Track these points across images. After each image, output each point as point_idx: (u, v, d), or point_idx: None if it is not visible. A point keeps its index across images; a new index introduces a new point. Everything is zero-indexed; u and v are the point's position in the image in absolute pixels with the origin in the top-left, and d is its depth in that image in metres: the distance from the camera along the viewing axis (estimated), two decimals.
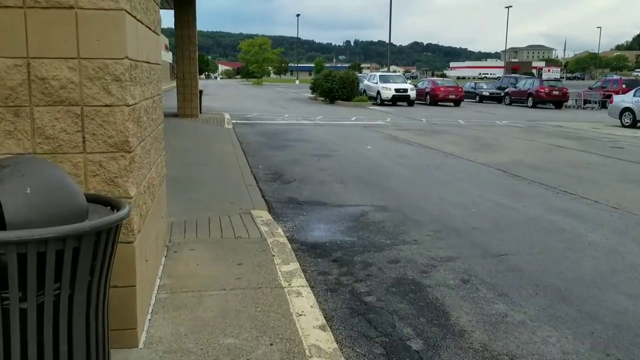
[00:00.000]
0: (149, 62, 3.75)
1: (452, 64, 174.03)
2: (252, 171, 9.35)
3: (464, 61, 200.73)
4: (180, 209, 6.27)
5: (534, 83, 34.91)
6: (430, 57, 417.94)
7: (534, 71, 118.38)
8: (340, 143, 13.84)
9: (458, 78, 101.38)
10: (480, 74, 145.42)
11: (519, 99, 35.04)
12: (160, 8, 16.71)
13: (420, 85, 34.93)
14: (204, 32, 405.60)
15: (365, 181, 8.88)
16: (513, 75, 48.85)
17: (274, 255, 4.57)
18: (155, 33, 4.20)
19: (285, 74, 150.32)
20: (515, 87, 36.55)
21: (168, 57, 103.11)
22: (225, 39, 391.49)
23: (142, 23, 3.42)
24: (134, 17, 3.09)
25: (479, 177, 9.48)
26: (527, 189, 8.56)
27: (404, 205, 7.26)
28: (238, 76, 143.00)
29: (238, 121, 19.24)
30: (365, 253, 5.23)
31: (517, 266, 5.01)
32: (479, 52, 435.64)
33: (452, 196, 7.89)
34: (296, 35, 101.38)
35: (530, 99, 33.62)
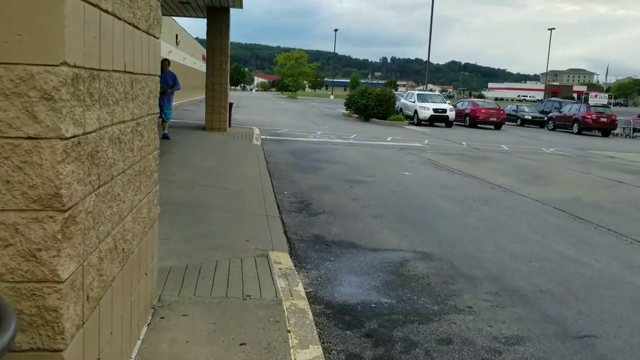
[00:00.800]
0: (131, 72, 2.74)
1: (490, 85, 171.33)
2: (276, 198, 8.31)
3: (502, 82, 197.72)
4: (185, 247, 5.26)
5: (580, 108, 33.22)
6: (467, 76, 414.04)
7: (575, 95, 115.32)
8: (376, 167, 12.72)
9: (496, 99, 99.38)
10: (519, 95, 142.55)
11: (563, 124, 33.38)
12: (194, 17, 15.97)
13: (459, 105, 33.58)
14: (242, 45, 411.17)
15: (404, 217, 7.73)
16: (557, 99, 46.94)
17: (289, 331, 3.48)
18: (148, 34, 3.20)
19: (320, 89, 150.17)
20: (560, 112, 34.87)
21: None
22: (262, 51, 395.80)
23: (116, 16, 2.41)
24: (91, 3, 2.08)
25: (535, 218, 8.23)
26: (594, 237, 7.28)
27: (452, 252, 6.09)
28: (273, 89, 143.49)
29: (267, 137, 18.32)
30: (407, 325, 4.09)
31: (608, 357, 3.81)
32: (518, 74, 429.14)
33: (508, 242, 6.68)
34: (333, 50, 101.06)
35: (575, 125, 31.94)
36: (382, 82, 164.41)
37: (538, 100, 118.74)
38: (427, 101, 31.27)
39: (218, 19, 17.06)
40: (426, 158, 15.09)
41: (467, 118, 31.94)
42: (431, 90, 72.48)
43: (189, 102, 39.70)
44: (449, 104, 32.59)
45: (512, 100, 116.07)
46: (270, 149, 14.79)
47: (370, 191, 9.56)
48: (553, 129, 34.11)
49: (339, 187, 9.77)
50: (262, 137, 18.01)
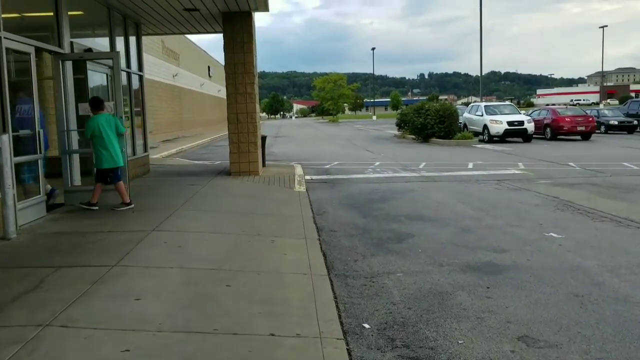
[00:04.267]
0: None
1: (539, 92, 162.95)
2: (350, 357, 3.66)
3: (547, 88, 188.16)
4: None
5: None
6: (508, 85, 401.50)
7: (633, 94, 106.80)
8: (495, 225, 7.88)
9: (547, 105, 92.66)
10: (571, 100, 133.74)
11: None
12: (209, 32, 11.10)
13: (535, 115, 28.26)
14: (279, 74, 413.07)
15: None
16: None
17: None
18: None
19: (360, 110, 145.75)
20: None
21: None
22: (299, 78, 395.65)
23: None
24: None
25: None
26: None
27: None
28: (313, 114, 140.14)
29: (313, 177, 13.78)
30: None
31: None
32: (561, 79, 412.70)
33: None
34: (369, 71, 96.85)
35: None
36: (423, 98, 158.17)
37: (593, 103, 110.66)
38: (496, 113, 26.25)
39: (237, 29, 12.76)
40: (550, 196, 10.16)
41: (548, 129, 26.63)
42: (475, 102, 66.22)
43: (223, 137, 35.79)
44: (524, 114, 27.41)
45: (565, 105, 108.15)
46: (320, 200, 10.20)
47: (531, 301, 4.76)
48: None
49: (462, 290, 5.02)
50: (307, 177, 13.49)
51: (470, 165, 15.78)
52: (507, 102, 33.62)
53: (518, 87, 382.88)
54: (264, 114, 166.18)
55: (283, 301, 4.61)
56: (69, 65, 9.31)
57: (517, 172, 14.18)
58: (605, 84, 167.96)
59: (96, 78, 11.35)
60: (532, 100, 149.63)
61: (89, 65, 10.58)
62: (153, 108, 30.59)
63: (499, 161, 16.95)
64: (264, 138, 15.22)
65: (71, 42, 9.48)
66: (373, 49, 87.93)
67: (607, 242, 6.73)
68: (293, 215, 8.55)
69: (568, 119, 26.10)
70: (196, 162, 18.24)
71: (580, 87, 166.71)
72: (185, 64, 41.43)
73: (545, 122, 26.95)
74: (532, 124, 25.31)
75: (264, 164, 15.00)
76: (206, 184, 11.69)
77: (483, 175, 13.64)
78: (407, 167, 15.56)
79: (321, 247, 6.57)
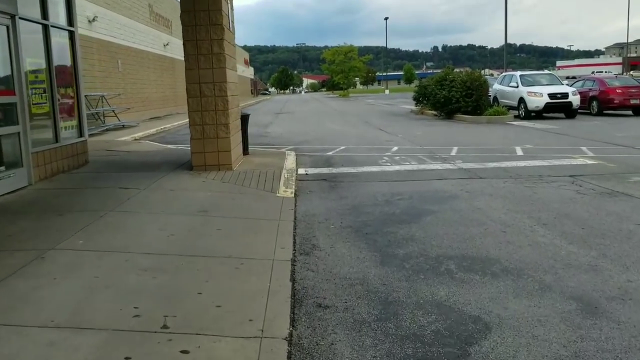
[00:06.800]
0: None
1: (559, 63, 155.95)
2: None
3: (568, 60, 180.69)
4: None
5: None
6: (524, 58, 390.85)
7: None
8: (633, 286, 4.13)
9: (567, 77, 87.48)
10: (593, 72, 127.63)
11: None
12: None
13: (578, 86, 24.10)
14: (289, 48, 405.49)
15: None
16: None
17: None
18: None
19: (372, 84, 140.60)
20: None
21: (249, 72, 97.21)
22: (310, 52, 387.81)
23: None
24: None
25: None
26: None
27: None
28: (323, 89, 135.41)
29: (309, 170, 10.04)
30: None
31: None
32: (577, 51, 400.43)
33: None
34: (380, 45, 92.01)
35: None
36: (437, 70, 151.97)
37: (615, 74, 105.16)
38: (534, 84, 22.17)
39: None
40: None
41: (595, 103, 22.53)
42: (491, 74, 61.23)
43: None
44: (566, 84, 23.31)
45: (615, 74, 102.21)
46: (311, 217, 6.48)
47: None
48: None
49: None
50: (301, 171, 9.81)
51: (519, 152, 11.93)
52: (546, 71, 29.38)
53: (534, 59, 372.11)
54: (273, 88, 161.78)
55: None
56: None
57: (589, 162, 10.33)
58: (633, 55, 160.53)
59: None
60: (551, 72, 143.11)
61: None
62: (139, 81, 26.79)
63: (552, 145, 13.07)
64: (245, 117, 11.46)
65: None
66: (386, 18, 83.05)
67: None
68: (258, 259, 4.85)
69: (619, 91, 21.95)
70: (168, 146, 14.52)
71: (602, 59, 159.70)
72: (180, 33, 37.55)
73: (591, 94, 22.81)
74: (578, 97, 21.23)
75: (246, 151, 11.30)
76: (149, 185, 7.99)
77: (544, 167, 9.81)
78: (435, 155, 11.73)
79: None
